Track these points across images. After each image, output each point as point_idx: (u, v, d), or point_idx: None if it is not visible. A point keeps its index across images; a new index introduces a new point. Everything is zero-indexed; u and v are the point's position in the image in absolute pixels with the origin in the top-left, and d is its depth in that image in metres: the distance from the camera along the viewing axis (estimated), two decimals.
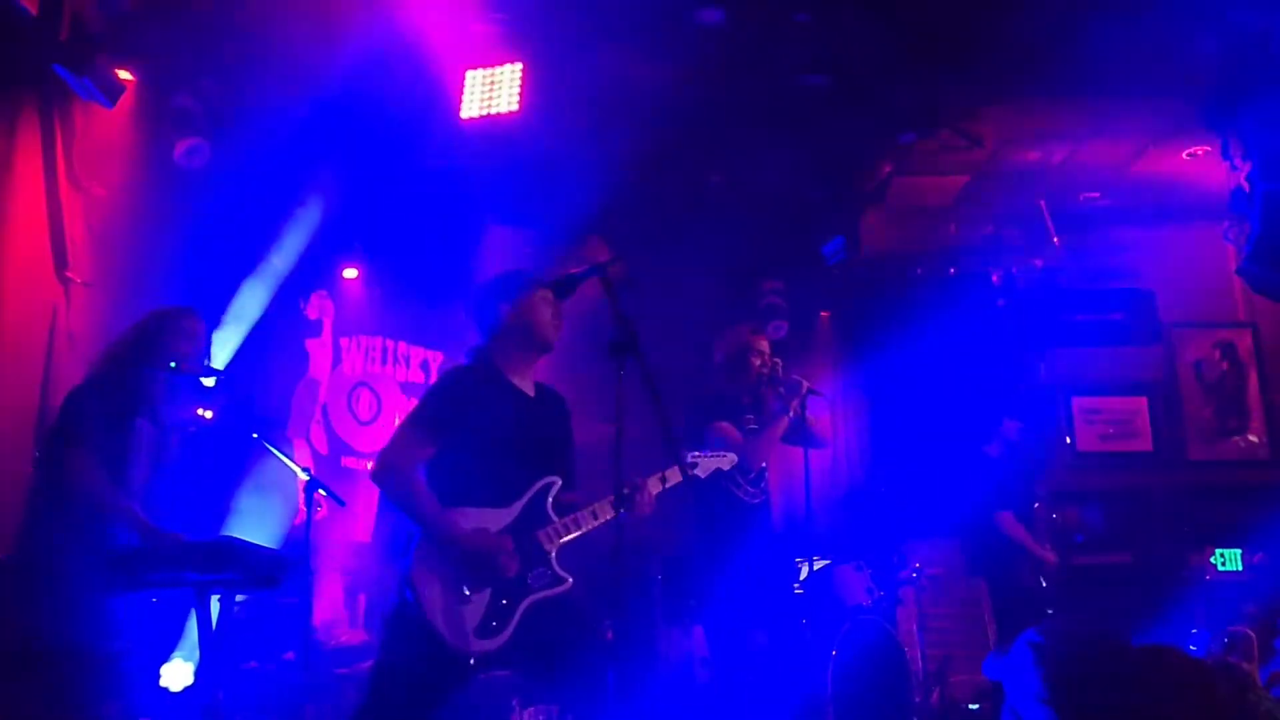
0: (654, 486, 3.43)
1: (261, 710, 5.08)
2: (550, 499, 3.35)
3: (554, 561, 3.29)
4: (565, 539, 3.32)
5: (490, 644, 3.15)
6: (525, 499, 3.32)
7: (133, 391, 3.79)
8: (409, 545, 3.20)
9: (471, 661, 3.13)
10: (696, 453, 3.75)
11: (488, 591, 3.17)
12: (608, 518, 3.32)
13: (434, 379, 7.33)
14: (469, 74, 5.91)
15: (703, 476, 3.72)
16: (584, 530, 3.34)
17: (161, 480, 3.88)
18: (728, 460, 3.81)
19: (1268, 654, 4.65)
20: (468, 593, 3.15)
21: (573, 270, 3.26)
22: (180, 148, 5.69)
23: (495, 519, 3.25)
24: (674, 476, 3.44)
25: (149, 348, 3.87)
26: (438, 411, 3.34)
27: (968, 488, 6.29)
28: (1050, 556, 6.17)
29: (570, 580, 3.29)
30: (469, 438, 3.28)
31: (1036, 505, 6.44)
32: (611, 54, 5.85)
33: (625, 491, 3.26)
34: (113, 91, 5.18)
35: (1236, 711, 2.18)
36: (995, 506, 6.17)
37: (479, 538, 3.19)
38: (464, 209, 7.28)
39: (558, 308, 3.47)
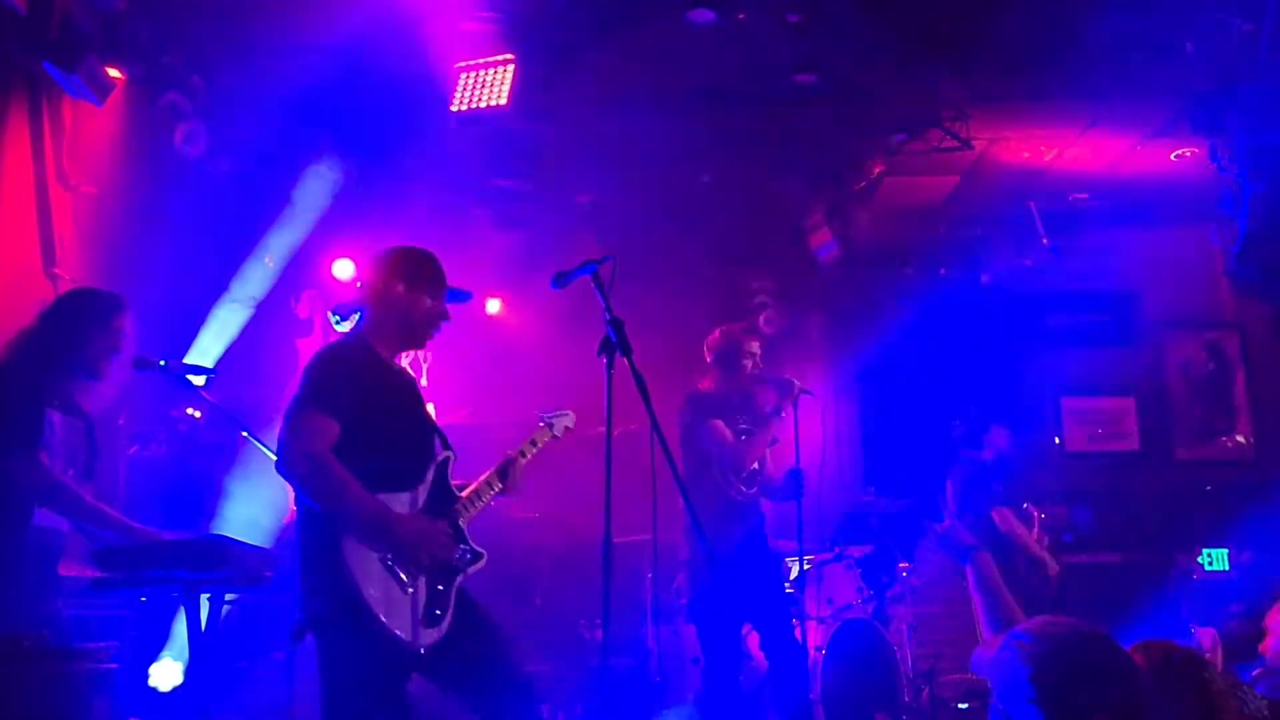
0: (520, 460, 3.46)
1: (251, 710, 5.06)
2: (449, 474, 3.23)
3: (468, 537, 3.17)
4: (473, 513, 3.23)
5: (437, 633, 2.98)
6: (430, 477, 3.14)
7: (38, 380, 3.45)
8: (333, 544, 2.88)
9: (422, 653, 2.93)
10: (547, 414, 3.76)
11: (424, 579, 2.98)
12: (499, 488, 3.36)
13: (426, 379, 7.32)
14: (461, 70, 5.91)
15: (560, 436, 3.73)
16: (486, 503, 3.30)
17: (90, 474, 3.59)
18: (570, 418, 3.81)
19: (1255, 651, 4.67)
20: (407, 581, 2.93)
21: (565, 268, 3.25)
22: (179, 132, 5.67)
23: (415, 500, 3.07)
24: (531, 449, 3.54)
25: (57, 333, 3.53)
26: (334, 388, 2.99)
27: (960, 488, 6.28)
28: (1053, 565, 6.14)
29: (485, 554, 3.17)
30: (369, 416, 3.01)
31: (1025, 505, 6.45)
32: (603, 52, 5.86)
33: (505, 466, 3.40)
34: (103, 89, 5.15)
35: (1227, 711, 2.19)
36: (988, 505, 6.16)
37: (418, 521, 3.00)
38: (455, 204, 7.28)
39: (447, 319, 3.29)
